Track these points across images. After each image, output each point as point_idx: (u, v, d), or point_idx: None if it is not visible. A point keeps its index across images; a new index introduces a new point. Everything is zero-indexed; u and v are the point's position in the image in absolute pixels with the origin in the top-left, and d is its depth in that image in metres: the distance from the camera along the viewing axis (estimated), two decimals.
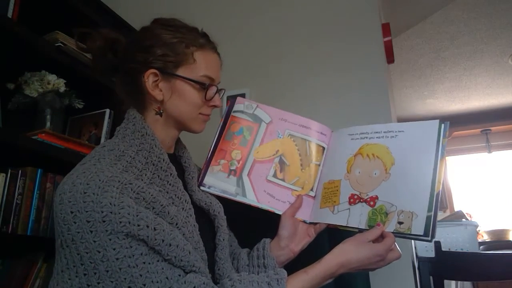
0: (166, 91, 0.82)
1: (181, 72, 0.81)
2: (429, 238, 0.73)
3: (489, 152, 4.48)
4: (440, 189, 0.78)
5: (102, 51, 0.86)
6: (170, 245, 0.67)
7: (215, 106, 0.87)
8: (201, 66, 0.83)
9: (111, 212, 0.63)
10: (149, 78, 0.80)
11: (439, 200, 0.76)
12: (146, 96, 0.82)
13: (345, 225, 0.83)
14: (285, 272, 0.73)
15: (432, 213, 0.75)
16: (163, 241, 0.66)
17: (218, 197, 0.91)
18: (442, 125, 0.84)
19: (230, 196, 0.90)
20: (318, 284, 0.75)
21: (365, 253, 0.76)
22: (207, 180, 0.91)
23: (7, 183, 0.99)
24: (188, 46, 0.82)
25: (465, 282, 2.80)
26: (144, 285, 0.63)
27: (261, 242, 0.89)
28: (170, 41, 0.81)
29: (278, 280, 0.71)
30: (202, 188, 0.90)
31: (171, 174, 0.79)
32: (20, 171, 1.03)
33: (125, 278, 0.62)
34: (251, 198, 0.89)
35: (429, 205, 0.76)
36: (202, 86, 0.83)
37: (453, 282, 2.27)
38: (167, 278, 0.65)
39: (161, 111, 0.83)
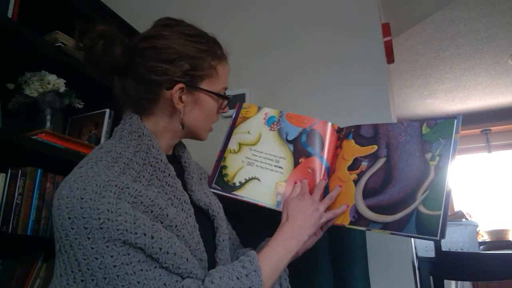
0: (189, 104, 0.81)
1: (205, 85, 0.82)
2: (438, 238, 0.73)
3: (489, 152, 4.47)
4: (450, 188, 0.76)
5: (103, 49, 0.77)
6: (167, 253, 0.66)
7: (223, 112, 0.89)
8: (222, 79, 0.85)
9: (108, 219, 0.62)
10: (177, 93, 0.79)
11: (449, 199, 0.75)
12: (161, 105, 0.81)
13: None
14: (254, 252, 0.76)
15: (442, 211, 0.75)
16: (160, 249, 0.66)
17: (222, 197, 0.93)
18: (455, 120, 0.82)
19: (238, 196, 0.92)
20: (282, 253, 0.78)
21: (304, 202, 0.84)
22: (217, 181, 0.94)
23: (7, 183, 0.99)
24: (213, 59, 0.83)
25: (465, 282, 2.80)
26: None
27: (265, 242, 0.89)
28: (197, 55, 0.80)
29: (250, 261, 0.73)
30: (212, 190, 0.93)
31: (169, 175, 0.78)
32: (20, 171, 1.03)
33: (122, 285, 0.62)
34: (257, 197, 0.90)
35: (444, 204, 0.75)
36: (224, 98, 0.85)
37: (453, 282, 2.27)
38: (164, 284, 0.65)
39: (183, 123, 0.82)
